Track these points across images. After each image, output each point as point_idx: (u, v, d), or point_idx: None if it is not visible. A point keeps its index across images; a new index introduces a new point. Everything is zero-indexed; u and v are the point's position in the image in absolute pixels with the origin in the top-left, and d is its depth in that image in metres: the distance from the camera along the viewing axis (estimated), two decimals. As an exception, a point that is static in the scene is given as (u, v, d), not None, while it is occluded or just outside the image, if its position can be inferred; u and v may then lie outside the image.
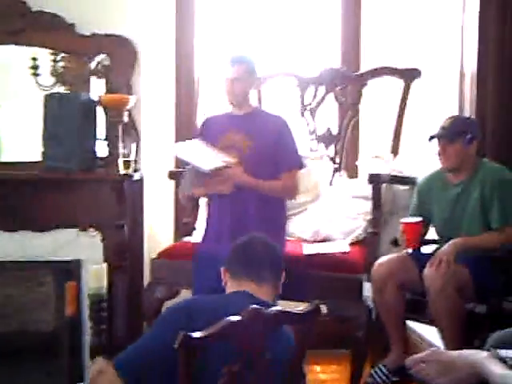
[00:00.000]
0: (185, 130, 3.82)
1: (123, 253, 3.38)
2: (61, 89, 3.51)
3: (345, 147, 3.63)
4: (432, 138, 2.80)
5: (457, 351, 1.71)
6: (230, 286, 1.90)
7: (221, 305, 1.74)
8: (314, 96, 3.60)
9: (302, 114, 3.63)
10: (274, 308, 1.64)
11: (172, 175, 3.40)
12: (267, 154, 2.80)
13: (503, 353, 1.45)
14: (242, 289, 1.84)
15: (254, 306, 1.58)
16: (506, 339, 1.83)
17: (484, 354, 1.51)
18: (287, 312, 1.67)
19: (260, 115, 2.93)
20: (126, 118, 3.45)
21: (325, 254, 2.98)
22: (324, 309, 3.06)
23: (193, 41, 3.88)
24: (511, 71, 3.17)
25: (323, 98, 3.61)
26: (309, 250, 3.03)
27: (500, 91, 3.17)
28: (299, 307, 1.74)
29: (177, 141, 3.65)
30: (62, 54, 3.53)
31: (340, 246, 3.10)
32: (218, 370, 1.55)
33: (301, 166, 2.94)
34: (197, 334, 1.48)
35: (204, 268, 2.72)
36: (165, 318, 1.81)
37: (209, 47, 3.89)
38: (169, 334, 1.55)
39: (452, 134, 2.76)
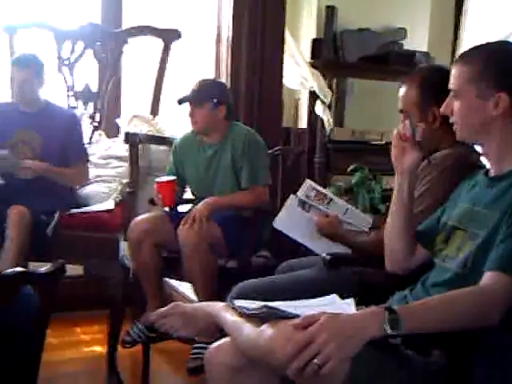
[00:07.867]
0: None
1: None
2: None
3: (105, 105, 3.56)
4: (180, 101, 2.82)
5: (197, 303, 1.80)
6: None
7: None
8: (72, 51, 3.47)
9: (60, 69, 3.48)
10: (12, 269, 1.57)
11: None
12: (56, 150, 3.05)
13: (236, 303, 1.55)
14: None
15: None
16: (244, 291, 1.97)
17: (220, 304, 1.61)
18: (27, 272, 1.60)
19: (51, 111, 3.13)
20: None
21: (82, 213, 2.93)
22: (80, 269, 3.03)
23: None
24: (263, 39, 3.34)
25: (82, 54, 3.49)
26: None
27: (253, 57, 3.33)
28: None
29: None
30: None
31: (105, 205, 3.07)
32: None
33: (87, 159, 3.22)
34: None
35: None
36: None
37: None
38: None
39: (198, 97, 2.79)
